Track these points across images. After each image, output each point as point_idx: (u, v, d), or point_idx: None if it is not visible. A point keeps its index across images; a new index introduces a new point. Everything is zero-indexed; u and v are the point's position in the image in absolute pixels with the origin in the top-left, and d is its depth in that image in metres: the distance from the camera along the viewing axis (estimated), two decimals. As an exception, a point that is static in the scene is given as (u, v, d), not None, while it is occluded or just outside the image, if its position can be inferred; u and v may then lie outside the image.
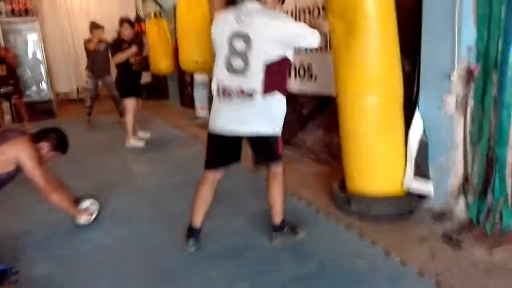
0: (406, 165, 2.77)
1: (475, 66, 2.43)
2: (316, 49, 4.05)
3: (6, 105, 7.10)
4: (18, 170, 2.55)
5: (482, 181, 2.52)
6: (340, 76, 2.82)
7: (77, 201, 2.86)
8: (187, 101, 7.86)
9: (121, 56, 5.09)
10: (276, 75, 2.20)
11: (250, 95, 2.17)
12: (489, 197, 2.45)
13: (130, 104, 5.27)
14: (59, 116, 8.06)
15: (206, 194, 2.41)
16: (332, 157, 4.01)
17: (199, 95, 6.86)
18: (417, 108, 2.76)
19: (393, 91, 2.74)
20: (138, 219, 3.00)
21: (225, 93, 2.23)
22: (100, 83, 6.69)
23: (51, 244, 2.68)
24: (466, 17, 2.44)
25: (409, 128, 2.75)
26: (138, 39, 5.69)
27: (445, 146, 2.64)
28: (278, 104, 2.26)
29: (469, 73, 2.47)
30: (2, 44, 7.09)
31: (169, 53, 6.80)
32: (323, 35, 2.30)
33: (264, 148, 2.37)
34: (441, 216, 2.69)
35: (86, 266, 2.42)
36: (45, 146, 2.65)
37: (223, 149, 2.38)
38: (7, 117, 7.34)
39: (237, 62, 2.18)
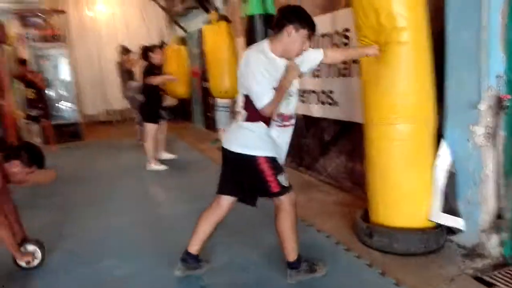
0: (433, 198, 2.63)
1: (505, 95, 2.30)
2: (338, 74, 4.01)
3: (35, 127, 7.29)
4: None
5: (516, 217, 2.36)
6: (368, 103, 2.72)
7: (23, 241, 2.74)
8: (211, 123, 7.90)
9: (157, 80, 5.24)
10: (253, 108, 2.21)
11: (242, 119, 2.26)
12: (525, 234, 2.29)
13: (152, 129, 5.35)
14: (86, 138, 8.23)
15: (206, 222, 2.38)
16: (355, 185, 3.89)
17: (221, 117, 6.88)
18: (443, 137, 2.63)
19: (425, 120, 2.61)
20: (147, 251, 2.92)
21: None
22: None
23: (60, 272, 2.66)
24: (494, 44, 2.33)
25: (435, 159, 2.62)
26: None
27: (474, 179, 2.49)
28: (252, 127, 2.23)
29: (499, 103, 2.34)
30: (33, 68, 7.32)
31: (186, 78, 7.03)
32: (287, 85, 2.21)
33: (248, 179, 2.30)
34: (472, 253, 2.52)
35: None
36: (17, 164, 2.54)
37: (228, 173, 2.36)
38: (37, 140, 7.53)
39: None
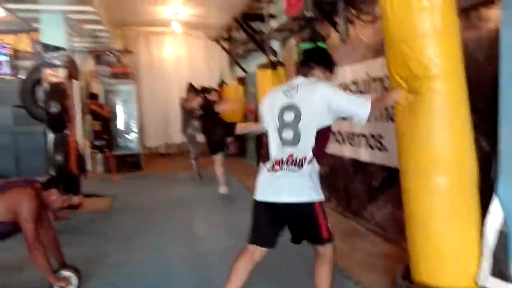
0: (481, 259, 2.39)
1: None
2: (388, 119, 3.89)
3: (99, 156, 7.79)
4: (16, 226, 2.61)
5: None
6: (404, 153, 2.59)
7: (61, 267, 2.87)
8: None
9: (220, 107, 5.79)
10: (322, 143, 2.20)
11: (300, 165, 2.14)
12: None
13: (220, 158, 5.80)
14: (145, 169, 8.62)
15: (241, 270, 2.28)
16: (403, 236, 3.64)
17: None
18: (495, 193, 2.41)
19: (466, 171, 2.43)
20: (188, 285, 2.93)
21: (276, 163, 2.20)
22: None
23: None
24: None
25: (485, 216, 2.40)
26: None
27: (529, 241, 2.24)
28: (316, 169, 2.19)
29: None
30: (102, 102, 7.91)
31: (241, 116, 7.32)
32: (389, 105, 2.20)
33: (303, 226, 2.21)
34: (525, 326, 2.23)
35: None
36: (54, 192, 2.73)
37: (266, 223, 2.27)
38: (99, 168, 8.03)
39: (288, 134, 2.18)
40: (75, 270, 2.89)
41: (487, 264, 2.35)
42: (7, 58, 8.11)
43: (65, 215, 4.55)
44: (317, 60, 2.29)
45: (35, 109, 5.23)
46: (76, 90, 5.92)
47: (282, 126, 2.20)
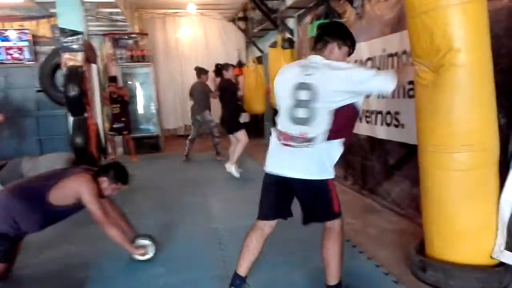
0: (497, 233, 2.37)
1: None
2: (404, 95, 3.83)
3: (119, 139, 7.93)
4: (81, 205, 2.79)
5: None
6: (423, 129, 2.55)
7: (136, 237, 3.04)
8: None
9: None
10: (341, 124, 2.14)
11: (312, 143, 2.11)
12: None
13: (243, 134, 5.79)
14: (164, 150, 8.75)
15: (253, 246, 2.33)
16: (418, 213, 3.63)
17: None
18: (511, 168, 2.37)
19: (487, 148, 2.37)
20: (195, 263, 2.99)
21: (289, 138, 2.18)
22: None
23: (114, 277, 2.82)
24: None
25: (501, 191, 2.37)
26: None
27: (545, 215, 2.21)
28: (333, 149, 2.17)
29: None
30: (121, 84, 8.01)
31: (262, 95, 7.27)
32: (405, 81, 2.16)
33: (314, 201, 2.20)
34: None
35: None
36: (105, 180, 2.88)
37: (276, 196, 2.29)
38: (119, 149, 8.19)
39: (302, 112, 2.14)
40: (151, 238, 3.06)
41: (502, 238, 2.33)
42: (28, 44, 8.26)
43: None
44: (333, 35, 2.19)
45: (55, 93, 5.35)
46: (94, 74, 6.00)
47: (296, 104, 2.16)
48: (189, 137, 7.43)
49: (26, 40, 8.27)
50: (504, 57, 2.55)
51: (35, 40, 8.39)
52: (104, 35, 8.37)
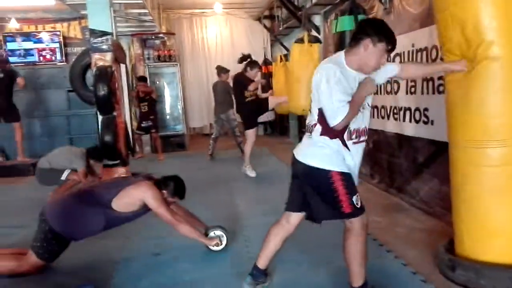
0: (532, 232, 2.28)
1: None
2: (434, 91, 3.73)
3: (146, 137, 8.08)
4: (144, 210, 2.90)
5: None
6: (454, 124, 2.47)
7: (207, 229, 3.17)
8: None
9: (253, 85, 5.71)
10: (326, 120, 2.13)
11: (310, 131, 2.21)
12: None
13: (252, 134, 5.72)
14: (190, 149, 8.85)
15: (273, 239, 2.35)
16: (448, 212, 3.53)
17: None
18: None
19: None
20: (219, 259, 3.03)
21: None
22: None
23: (147, 273, 2.85)
24: None
25: (536, 188, 2.28)
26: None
27: None
28: (333, 144, 2.13)
29: None
30: (148, 84, 8.15)
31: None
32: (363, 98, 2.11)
33: (317, 194, 2.15)
34: None
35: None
36: (164, 193, 2.97)
37: (297, 188, 2.28)
38: (147, 148, 8.34)
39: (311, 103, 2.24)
40: (222, 228, 3.18)
41: (535, 237, 2.24)
42: (59, 45, 8.52)
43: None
44: (367, 31, 2.08)
45: (85, 92, 5.48)
46: (123, 73, 6.13)
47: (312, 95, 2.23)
48: (212, 135, 7.47)
49: (57, 42, 8.56)
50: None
51: (66, 42, 8.66)
52: (132, 35, 8.55)
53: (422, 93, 3.88)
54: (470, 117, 2.35)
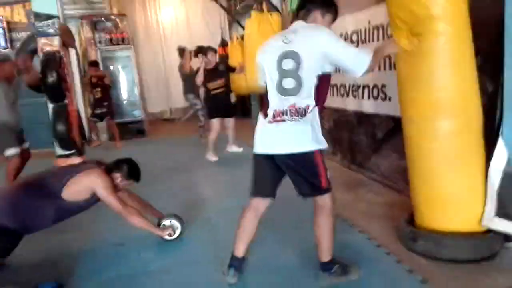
0: (486, 200, 2.38)
1: None
2: (390, 68, 3.78)
3: (103, 125, 7.78)
4: (97, 198, 2.77)
5: None
6: (405, 99, 2.54)
7: (161, 218, 3.07)
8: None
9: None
10: (323, 91, 2.12)
11: (302, 114, 2.06)
12: None
13: (215, 124, 5.74)
14: (149, 135, 8.63)
15: (249, 225, 2.30)
16: (408, 185, 3.64)
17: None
18: (500, 134, 2.36)
19: (469, 114, 2.37)
20: (185, 247, 2.96)
21: (278, 114, 2.12)
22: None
23: (110, 264, 2.76)
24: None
25: (490, 158, 2.37)
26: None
27: (534, 180, 2.21)
28: (316, 116, 2.11)
29: None
30: (102, 69, 7.81)
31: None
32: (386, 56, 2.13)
33: (301, 173, 2.13)
34: (530, 264, 2.25)
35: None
36: (118, 176, 2.86)
37: (268, 174, 2.25)
38: (104, 136, 8.05)
39: (289, 82, 2.08)
40: (176, 217, 3.07)
41: (491, 205, 2.34)
42: (2, 31, 7.97)
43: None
44: (316, 2, 2.14)
45: (32, 79, 5.15)
46: (73, 59, 5.82)
47: (282, 75, 2.09)
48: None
49: (0, 27, 7.99)
50: (491, 24, 2.49)
51: (10, 27, 8.11)
52: (82, 18, 8.12)
53: (379, 69, 3.93)
54: (419, 91, 2.42)
